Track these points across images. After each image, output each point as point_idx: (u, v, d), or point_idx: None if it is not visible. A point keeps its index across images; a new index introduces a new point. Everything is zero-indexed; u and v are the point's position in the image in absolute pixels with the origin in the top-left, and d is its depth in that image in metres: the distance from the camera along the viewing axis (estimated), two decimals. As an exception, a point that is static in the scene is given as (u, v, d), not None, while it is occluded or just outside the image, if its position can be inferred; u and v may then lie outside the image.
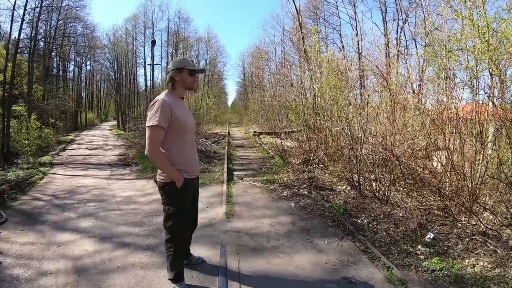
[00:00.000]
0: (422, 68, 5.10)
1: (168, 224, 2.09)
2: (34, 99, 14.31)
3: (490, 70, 3.40)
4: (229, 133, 16.24)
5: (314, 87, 6.49)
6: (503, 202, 3.04)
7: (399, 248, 2.77)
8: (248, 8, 67.47)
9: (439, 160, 3.79)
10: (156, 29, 25.52)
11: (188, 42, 26.59)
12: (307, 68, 7.45)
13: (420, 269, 2.44)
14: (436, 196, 3.52)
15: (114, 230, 3.36)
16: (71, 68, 27.73)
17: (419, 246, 2.76)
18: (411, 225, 3.07)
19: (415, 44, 12.31)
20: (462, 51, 3.77)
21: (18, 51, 12.94)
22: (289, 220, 3.59)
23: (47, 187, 5.50)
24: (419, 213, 3.32)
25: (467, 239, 2.79)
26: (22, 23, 12.65)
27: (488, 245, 2.64)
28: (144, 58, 25.84)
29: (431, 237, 2.82)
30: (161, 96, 2.01)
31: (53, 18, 18.85)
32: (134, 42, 26.60)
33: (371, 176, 4.37)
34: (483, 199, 3.35)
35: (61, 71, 24.33)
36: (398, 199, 3.80)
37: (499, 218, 3.00)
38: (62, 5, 19.36)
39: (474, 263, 2.44)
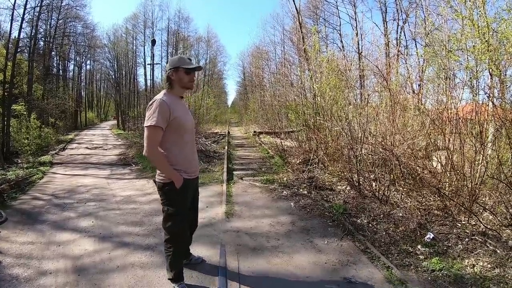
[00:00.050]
0: (422, 68, 5.11)
1: (167, 224, 2.08)
2: (34, 98, 14.28)
3: (490, 70, 3.40)
4: (229, 132, 16.25)
5: (314, 86, 6.49)
6: (502, 202, 3.04)
7: (398, 248, 2.78)
8: (248, 8, 67.47)
9: (439, 160, 3.79)
10: (156, 29, 25.49)
11: (188, 41, 26.55)
12: (307, 68, 7.45)
13: (419, 269, 2.44)
14: (436, 196, 3.52)
15: (114, 229, 3.36)
16: (71, 67, 27.76)
17: (419, 246, 2.76)
18: (410, 225, 3.07)
19: (415, 44, 12.31)
20: (462, 51, 3.77)
21: (18, 50, 12.92)
22: (288, 220, 3.60)
23: (47, 187, 5.49)
24: (419, 213, 3.32)
25: (466, 239, 2.79)
26: (22, 22, 12.62)
27: (488, 245, 2.65)
28: (144, 57, 25.81)
29: (431, 237, 2.82)
30: (159, 95, 1.99)
31: (53, 17, 18.85)
32: (134, 42, 26.57)
33: (371, 176, 4.37)
34: (483, 199, 3.35)
35: (61, 71, 24.33)
36: (398, 199, 3.80)
37: (498, 218, 3.00)
38: (62, 4, 19.36)
39: (473, 263, 2.45)
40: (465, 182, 3.25)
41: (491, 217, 3.07)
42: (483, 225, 2.86)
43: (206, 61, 29.93)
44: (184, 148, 2.06)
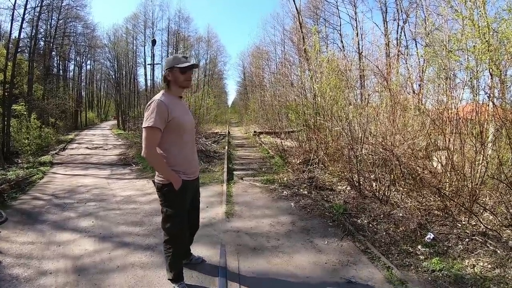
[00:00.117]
0: (423, 68, 5.11)
1: (166, 225, 2.07)
2: (34, 98, 14.31)
3: (491, 70, 3.40)
4: (229, 132, 16.24)
5: (314, 87, 6.49)
6: (503, 202, 3.04)
7: (399, 248, 2.77)
8: (249, 8, 67.53)
9: (439, 160, 3.78)
10: (156, 29, 25.55)
11: (188, 41, 26.62)
12: (307, 68, 7.45)
13: (420, 269, 2.44)
14: (436, 196, 3.52)
15: (114, 229, 3.36)
16: (71, 67, 27.79)
17: (419, 246, 2.76)
18: (411, 225, 3.07)
19: (416, 44, 12.33)
20: (463, 51, 3.77)
21: (19, 50, 12.94)
22: (289, 220, 3.59)
23: (47, 187, 5.50)
24: (419, 213, 3.32)
25: (467, 239, 2.79)
26: (22, 23, 12.63)
27: (488, 245, 2.64)
28: (144, 57, 25.84)
29: (431, 237, 2.82)
30: (158, 96, 1.98)
31: (53, 17, 18.90)
32: (134, 42, 26.63)
33: (371, 176, 4.36)
34: (483, 199, 3.35)
35: (61, 71, 24.35)
36: (398, 199, 3.80)
37: (499, 219, 3.00)
38: (62, 4, 19.41)
39: (474, 263, 2.44)
40: (465, 182, 3.25)
41: (491, 217, 3.07)
42: (484, 225, 2.86)
43: (207, 61, 30.01)
44: (183, 148, 2.04)
